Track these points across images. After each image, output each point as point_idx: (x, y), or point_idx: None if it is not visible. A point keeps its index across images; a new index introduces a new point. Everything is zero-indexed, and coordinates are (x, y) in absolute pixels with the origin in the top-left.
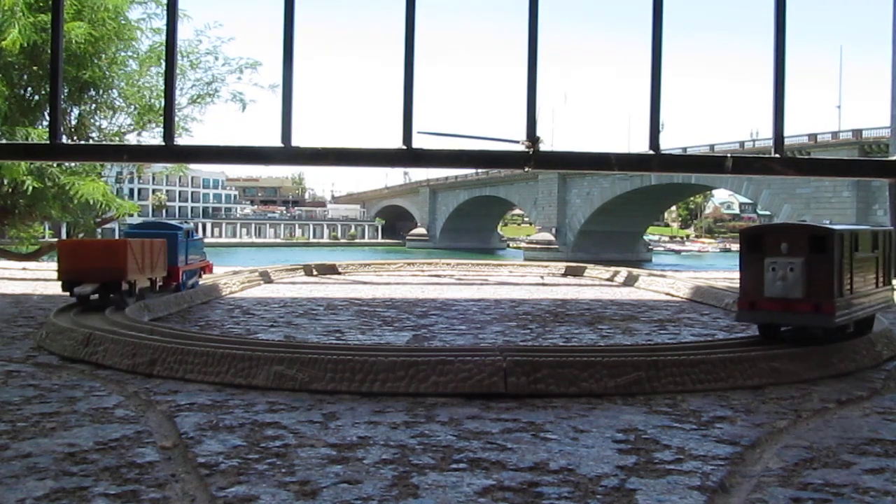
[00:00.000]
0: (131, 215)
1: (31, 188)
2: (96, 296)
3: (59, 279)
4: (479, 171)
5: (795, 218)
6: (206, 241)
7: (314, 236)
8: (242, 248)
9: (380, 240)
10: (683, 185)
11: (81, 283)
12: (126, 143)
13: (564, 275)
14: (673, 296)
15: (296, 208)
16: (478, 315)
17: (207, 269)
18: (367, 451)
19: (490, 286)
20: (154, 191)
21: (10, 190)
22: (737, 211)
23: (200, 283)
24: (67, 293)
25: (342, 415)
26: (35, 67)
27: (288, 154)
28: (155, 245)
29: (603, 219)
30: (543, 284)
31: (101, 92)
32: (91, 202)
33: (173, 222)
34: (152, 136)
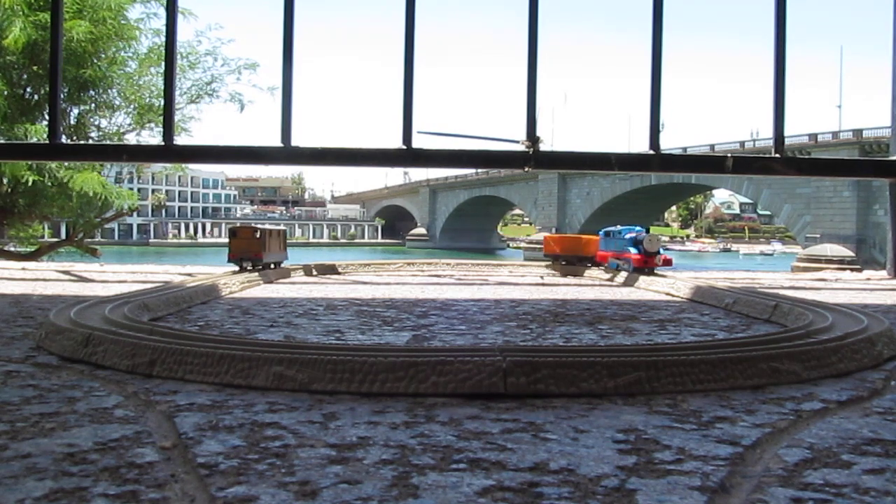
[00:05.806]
0: (131, 214)
1: (29, 180)
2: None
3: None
4: (479, 171)
5: (796, 217)
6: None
7: (314, 236)
8: None
9: (380, 240)
10: (683, 185)
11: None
12: (125, 142)
13: (564, 275)
14: (673, 296)
15: (295, 208)
16: (478, 315)
17: (641, 260)
18: (367, 452)
19: (490, 286)
20: (154, 191)
21: (10, 189)
22: (737, 211)
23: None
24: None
25: (342, 415)
26: (35, 67)
27: (288, 154)
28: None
29: (603, 219)
30: (543, 284)
31: (100, 91)
32: (92, 194)
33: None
34: (152, 136)
